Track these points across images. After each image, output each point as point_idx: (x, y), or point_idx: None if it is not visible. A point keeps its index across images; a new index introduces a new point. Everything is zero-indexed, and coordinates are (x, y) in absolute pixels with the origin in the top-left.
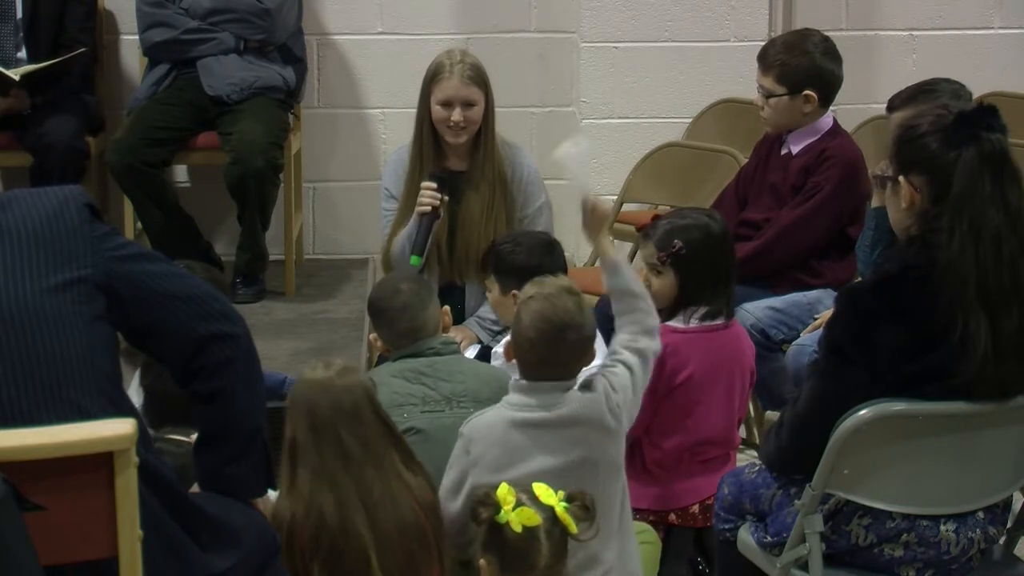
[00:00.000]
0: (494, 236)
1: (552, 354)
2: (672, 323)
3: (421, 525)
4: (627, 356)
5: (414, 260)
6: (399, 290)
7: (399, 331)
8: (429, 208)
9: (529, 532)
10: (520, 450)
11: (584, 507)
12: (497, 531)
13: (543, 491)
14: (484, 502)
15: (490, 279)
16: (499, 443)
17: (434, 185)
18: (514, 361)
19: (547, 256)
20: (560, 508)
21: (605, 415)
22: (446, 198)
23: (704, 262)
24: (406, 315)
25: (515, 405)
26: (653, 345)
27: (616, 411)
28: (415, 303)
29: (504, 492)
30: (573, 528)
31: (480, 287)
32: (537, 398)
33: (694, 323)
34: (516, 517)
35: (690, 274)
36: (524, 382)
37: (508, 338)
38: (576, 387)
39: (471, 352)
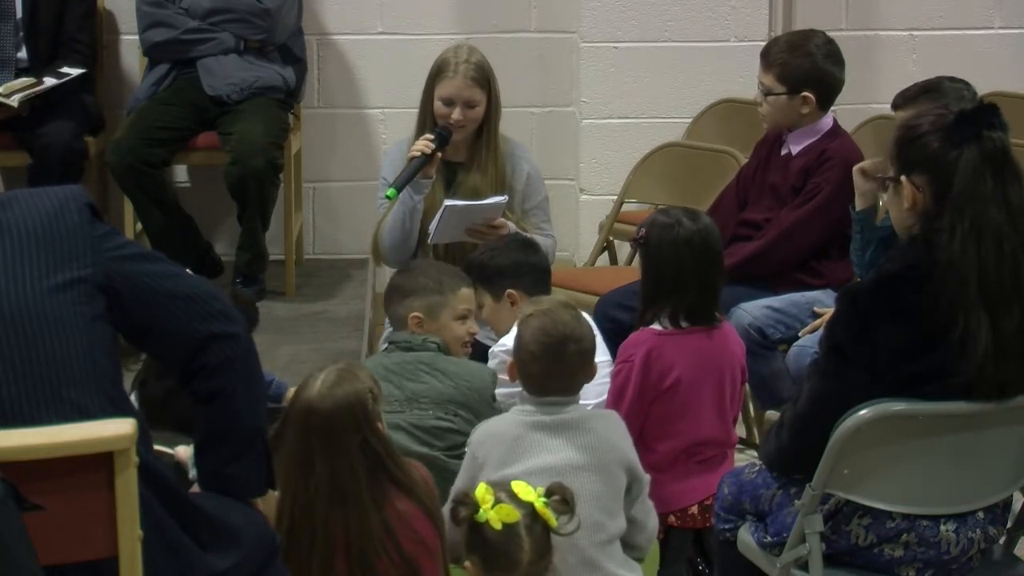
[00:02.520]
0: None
1: (556, 366)
2: (655, 326)
3: (400, 554)
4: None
5: (390, 193)
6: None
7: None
8: (419, 153)
9: (509, 529)
10: (525, 446)
11: (564, 501)
12: (478, 531)
13: (522, 488)
14: (462, 502)
15: (479, 293)
16: (504, 440)
17: (432, 137)
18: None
19: (528, 250)
20: (539, 503)
21: (633, 462)
22: (439, 154)
23: (664, 259)
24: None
25: (522, 411)
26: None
27: (635, 473)
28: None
29: (482, 491)
30: (553, 522)
31: None
32: (542, 408)
33: (668, 325)
34: (495, 515)
35: (647, 265)
36: (529, 396)
37: (504, 352)
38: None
39: None
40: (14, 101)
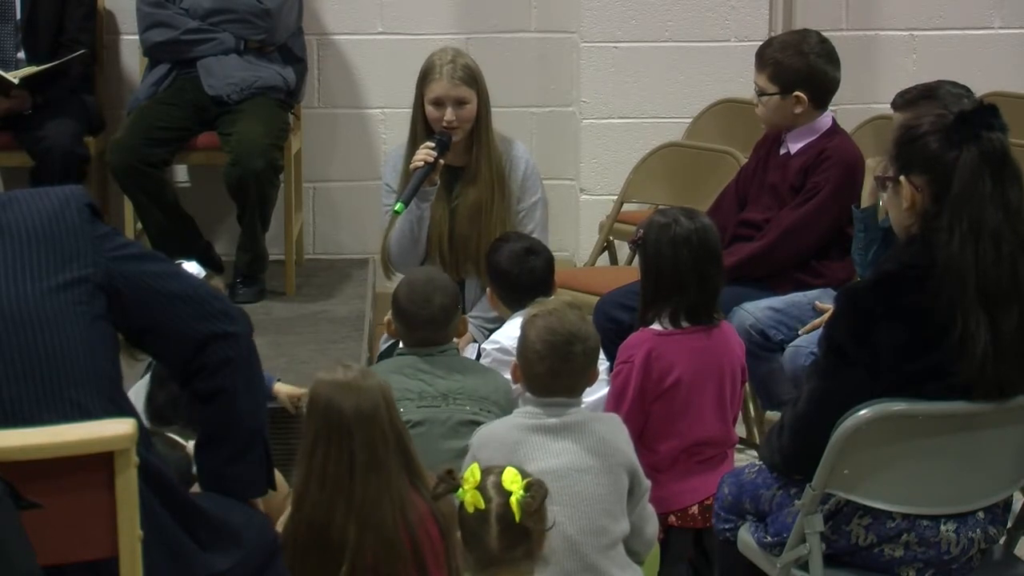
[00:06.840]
0: (492, 231)
1: (562, 366)
2: (655, 326)
3: (412, 544)
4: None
5: (398, 207)
6: (430, 302)
7: (416, 337)
8: (422, 163)
9: (480, 514)
10: (527, 450)
11: (532, 498)
12: (461, 508)
13: (510, 476)
14: (443, 479)
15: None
16: (507, 444)
17: (432, 144)
18: (519, 385)
19: (518, 261)
20: (516, 497)
21: (632, 462)
22: (441, 161)
23: (663, 258)
24: (428, 327)
25: (525, 413)
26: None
27: (637, 477)
28: (440, 319)
29: (471, 471)
30: (516, 517)
31: (479, 282)
32: (546, 409)
33: (668, 325)
34: (469, 499)
35: (646, 266)
36: (533, 397)
37: (496, 351)
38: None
39: (470, 352)
40: (15, 77)
